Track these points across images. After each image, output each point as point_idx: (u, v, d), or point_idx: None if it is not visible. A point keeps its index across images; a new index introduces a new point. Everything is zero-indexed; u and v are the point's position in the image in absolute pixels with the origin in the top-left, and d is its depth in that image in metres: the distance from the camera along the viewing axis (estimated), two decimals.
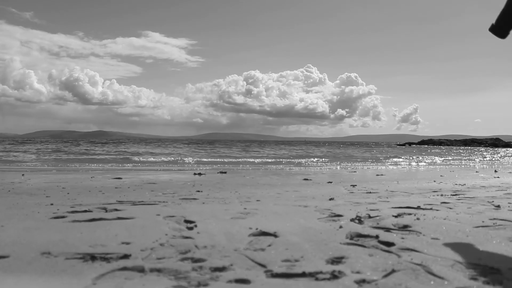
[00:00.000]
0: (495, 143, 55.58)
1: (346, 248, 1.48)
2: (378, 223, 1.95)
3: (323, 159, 14.72)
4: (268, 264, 1.30)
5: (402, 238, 1.63)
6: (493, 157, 18.69)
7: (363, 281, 1.13)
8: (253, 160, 13.99)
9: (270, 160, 13.75)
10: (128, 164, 10.67)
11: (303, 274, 1.20)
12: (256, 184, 4.55)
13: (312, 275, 1.19)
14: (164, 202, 2.86)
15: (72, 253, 1.42)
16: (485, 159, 16.85)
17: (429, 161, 14.48)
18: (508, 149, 43.96)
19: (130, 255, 1.39)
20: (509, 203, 2.68)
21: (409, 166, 10.80)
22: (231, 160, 14.00)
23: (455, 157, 18.59)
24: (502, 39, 2.50)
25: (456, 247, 1.49)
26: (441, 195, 3.30)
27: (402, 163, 13.08)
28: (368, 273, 1.20)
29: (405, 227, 1.85)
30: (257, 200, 2.96)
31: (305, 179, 5.37)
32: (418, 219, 2.06)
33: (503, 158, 17.96)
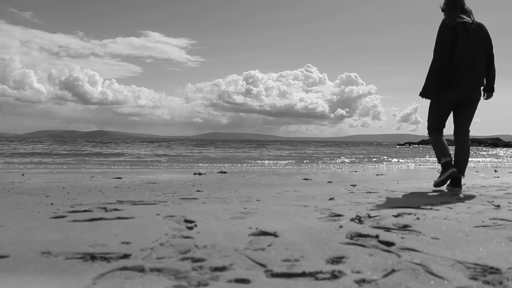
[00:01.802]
0: (495, 143, 55.54)
1: (346, 248, 1.48)
2: (378, 223, 1.96)
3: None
4: (268, 263, 1.30)
5: (402, 237, 1.64)
6: (493, 157, 18.69)
7: (363, 280, 1.13)
8: (253, 159, 14.00)
9: (270, 160, 13.75)
10: (128, 164, 10.67)
11: (303, 274, 1.20)
12: (256, 184, 4.55)
13: (312, 274, 1.19)
14: (164, 201, 2.86)
15: (72, 252, 1.42)
16: (485, 158, 16.85)
17: (429, 161, 14.48)
18: (508, 149, 43.94)
19: (130, 255, 1.39)
20: (509, 203, 2.68)
21: (409, 166, 10.80)
22: (231, 159, 14.01)
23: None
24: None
25: (456, 247, 1.49)
26: (441, 194, 3.30)
27: (402, 163, 13.08)
28: (368, 272, 1.20)
29: (405, 227, 1.86)
30: (257, 200, 2.96)
31: (305, 179, 5.37)
32: (418, 219, 2.06)
33: (503, 157, 17.95)
